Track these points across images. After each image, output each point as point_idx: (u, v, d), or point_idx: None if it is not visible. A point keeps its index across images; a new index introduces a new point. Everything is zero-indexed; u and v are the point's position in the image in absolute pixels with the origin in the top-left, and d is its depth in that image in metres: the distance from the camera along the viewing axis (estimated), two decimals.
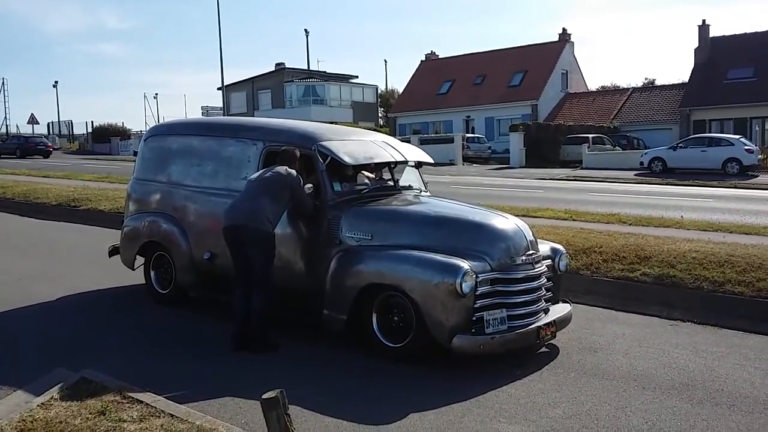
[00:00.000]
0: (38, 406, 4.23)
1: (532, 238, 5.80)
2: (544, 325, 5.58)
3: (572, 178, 26.25)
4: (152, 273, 7.47)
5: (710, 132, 33.90)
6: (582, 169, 30.97)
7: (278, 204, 5.85)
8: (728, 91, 37.12)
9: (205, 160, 7.11)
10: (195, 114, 62.76)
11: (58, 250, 10.73)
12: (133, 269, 7.71)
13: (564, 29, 47.63)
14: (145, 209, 7.60)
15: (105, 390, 4.50)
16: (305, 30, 62.86)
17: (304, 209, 6.06)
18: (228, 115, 49.86)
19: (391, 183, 6.89)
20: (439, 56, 53.85)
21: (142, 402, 4.29)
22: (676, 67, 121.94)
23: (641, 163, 28.23)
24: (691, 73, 40.53)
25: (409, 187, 6.94)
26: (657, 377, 5.27)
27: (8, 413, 4.18)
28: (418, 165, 7.26)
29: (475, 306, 5.25)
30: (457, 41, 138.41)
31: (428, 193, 7.08)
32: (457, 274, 5.11)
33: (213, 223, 6.65)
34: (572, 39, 47.84)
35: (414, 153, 7.09)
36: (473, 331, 5.23)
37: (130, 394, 4.43)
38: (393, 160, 6.72)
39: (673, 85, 44.23)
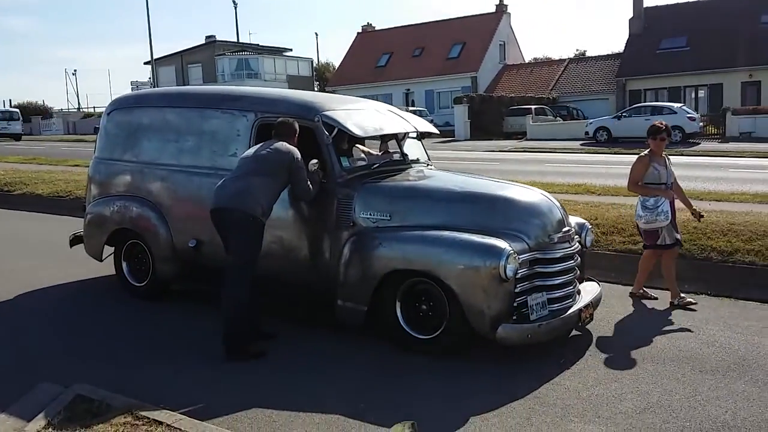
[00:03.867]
0: None
1: (563, 212, 5.34)
2: (584, 307, 5.15)
3: (520, 149, 26.20)
4: (125, 264, 6.63)
5: (645, 101, 34.52)
6: (527, 140, 31.00)
7: (274, 185, 5.05)
8: (662, 61, 37.89)
9: (184, 135, 6.28)
10: (122, 90, 59.74)
11: (2, 241, 9.63)
12: (101, 260, 6.85)
13: (500, 0, 47.50)
14: (112, 192, 6.72)
15: (111, 410, 3.76)
16: (233, 1, 60.46)
17: (301, 194, 5.24)
18: None
19: (398, 156, 6.25)
20: (376, 28, 52.92)
21: (161, 423, 3.58)
22: (605, 38, 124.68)
23: (586, 133, 28.48)
24: (626, 44, 41.19)
25: (418, 161, 6.34)
26: (706, 358, 4.91)
27: None
28: (421, 136, 6.67)
29: (516, 291, 4.75)
30: (391, 13, 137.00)
31: (433, 167, 6.51)
32: (501, 257, 4.57)
33: (197, 206, 5.89)
34: (509, 10, 47.86)
35: (421, 123, 6.47)
36: (515, 318, 4.74)
37: (142, 413, 3.71)
38: (403, 130, 6.09)
39: (607, 55, 44.86)
